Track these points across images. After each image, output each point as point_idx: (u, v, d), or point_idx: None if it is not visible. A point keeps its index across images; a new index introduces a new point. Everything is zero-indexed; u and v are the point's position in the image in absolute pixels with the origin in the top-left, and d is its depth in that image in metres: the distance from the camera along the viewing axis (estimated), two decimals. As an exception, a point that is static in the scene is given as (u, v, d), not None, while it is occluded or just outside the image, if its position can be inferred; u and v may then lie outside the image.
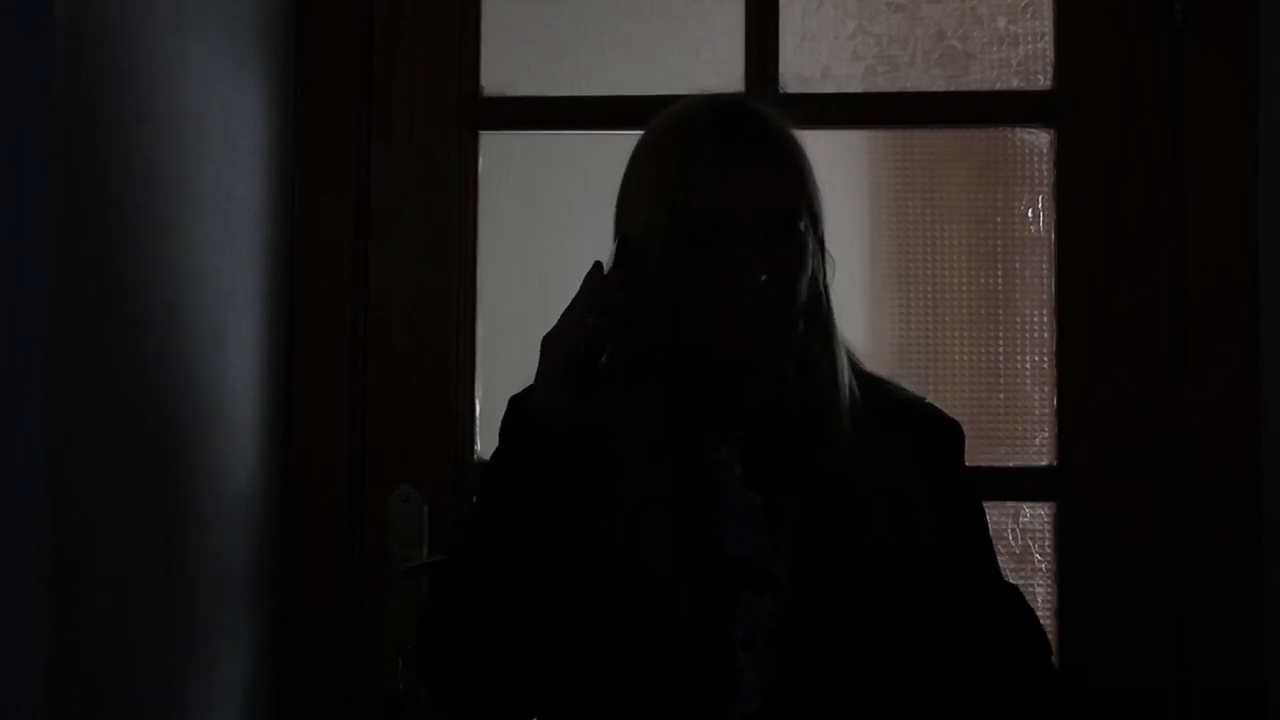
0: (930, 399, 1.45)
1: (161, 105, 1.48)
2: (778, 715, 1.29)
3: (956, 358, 1.94)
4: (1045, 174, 1.85)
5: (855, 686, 1.31)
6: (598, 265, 1.31)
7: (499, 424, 1.39)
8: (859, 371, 1.40)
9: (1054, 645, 1.77)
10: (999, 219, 1.94)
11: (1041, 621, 1.44)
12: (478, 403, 1.87)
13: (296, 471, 1.83)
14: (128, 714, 1.44)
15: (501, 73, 1.90)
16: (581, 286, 1.31)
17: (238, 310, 1.70)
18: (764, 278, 1.29)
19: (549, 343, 1.30)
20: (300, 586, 1.83)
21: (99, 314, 1.36)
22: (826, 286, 1.37)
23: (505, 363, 1.91)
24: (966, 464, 1.43)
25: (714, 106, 1.37)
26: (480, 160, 1.89)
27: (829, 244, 1.37)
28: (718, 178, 1.32)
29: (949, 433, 1.42)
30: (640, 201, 1.35)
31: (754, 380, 1.36)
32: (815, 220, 1.35)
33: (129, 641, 1.43)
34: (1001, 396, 1.91)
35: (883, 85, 1.93)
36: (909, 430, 1.38)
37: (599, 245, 1.56)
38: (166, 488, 1.51)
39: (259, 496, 1.76)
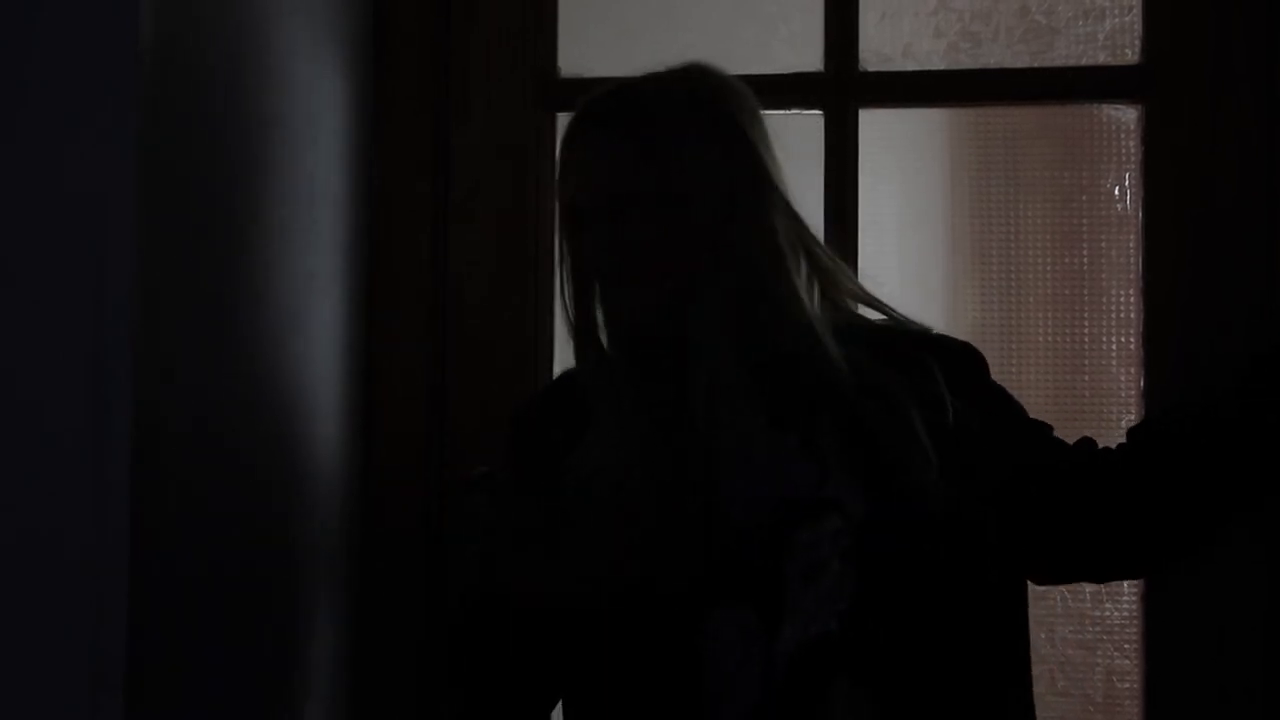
0: (937, 330, 1.51)
1: (243, 94, 1.49)
2: (856, 634, 1.32)
3: (1039, 339, 1.90)
4: (1133, 150, 1.82)
5: (929, 598, 1.34)
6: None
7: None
8: (861, 323, 1.47)
9: (1140, 635, 1.75)
10: (1084, 197, 1.90)
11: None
12: (556, 385, 1.87)
13: (379, 456, 1.84)
14: (221, 697, 1.45)
15: (576, 54, 1.89)
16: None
17: (319, 294, 1.71)
18: (613, 258, 1.41)
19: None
20: (382, 571, 1.83)
21: (185, 305, 1.37)
22: (776, 249, 1.41)
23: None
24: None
25: (607, 91, 1.47)
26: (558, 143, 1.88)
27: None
28: (577, 166, 1.46)
29: (965, 352, 1.50)
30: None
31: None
32: (686, 198, 1.41)
33: (216, 634, 1.45)
34: (1086, 378, 1.87)
35: (965, 62, 1.90)
36: (926, 357, 1.44)
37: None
38: (249, 475, 1.52)
39: (339, 483, 1.77)
